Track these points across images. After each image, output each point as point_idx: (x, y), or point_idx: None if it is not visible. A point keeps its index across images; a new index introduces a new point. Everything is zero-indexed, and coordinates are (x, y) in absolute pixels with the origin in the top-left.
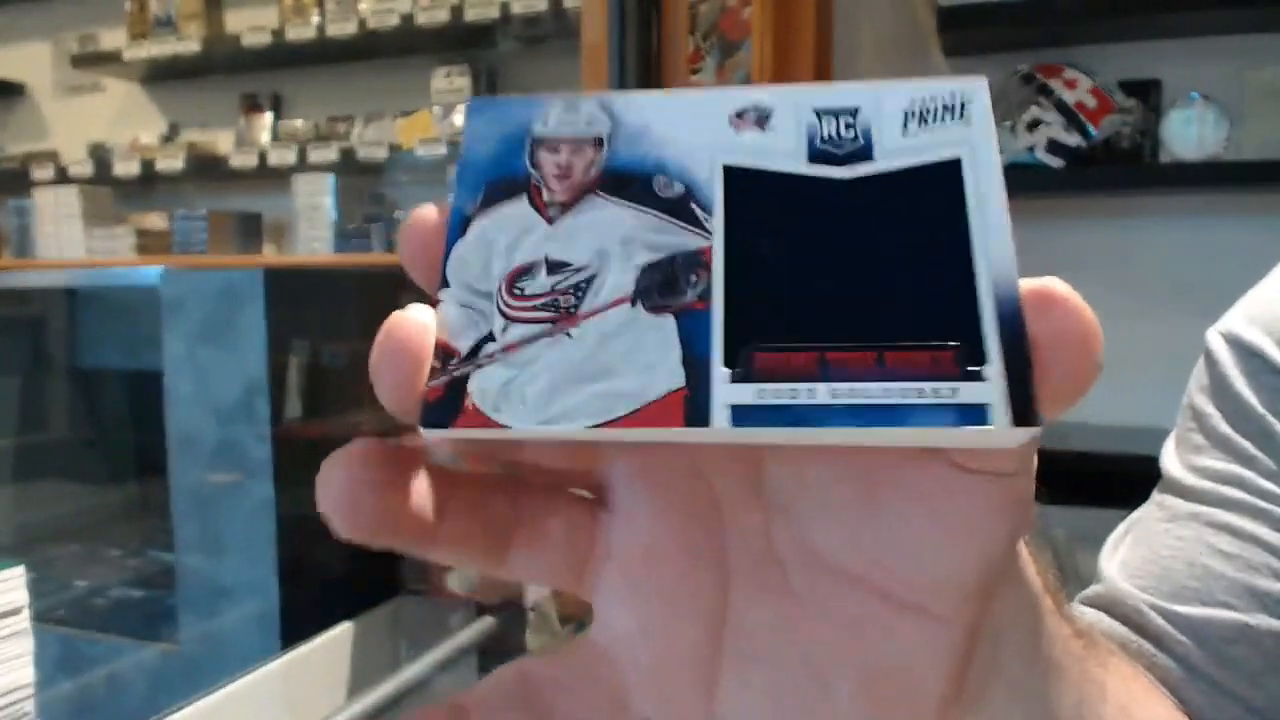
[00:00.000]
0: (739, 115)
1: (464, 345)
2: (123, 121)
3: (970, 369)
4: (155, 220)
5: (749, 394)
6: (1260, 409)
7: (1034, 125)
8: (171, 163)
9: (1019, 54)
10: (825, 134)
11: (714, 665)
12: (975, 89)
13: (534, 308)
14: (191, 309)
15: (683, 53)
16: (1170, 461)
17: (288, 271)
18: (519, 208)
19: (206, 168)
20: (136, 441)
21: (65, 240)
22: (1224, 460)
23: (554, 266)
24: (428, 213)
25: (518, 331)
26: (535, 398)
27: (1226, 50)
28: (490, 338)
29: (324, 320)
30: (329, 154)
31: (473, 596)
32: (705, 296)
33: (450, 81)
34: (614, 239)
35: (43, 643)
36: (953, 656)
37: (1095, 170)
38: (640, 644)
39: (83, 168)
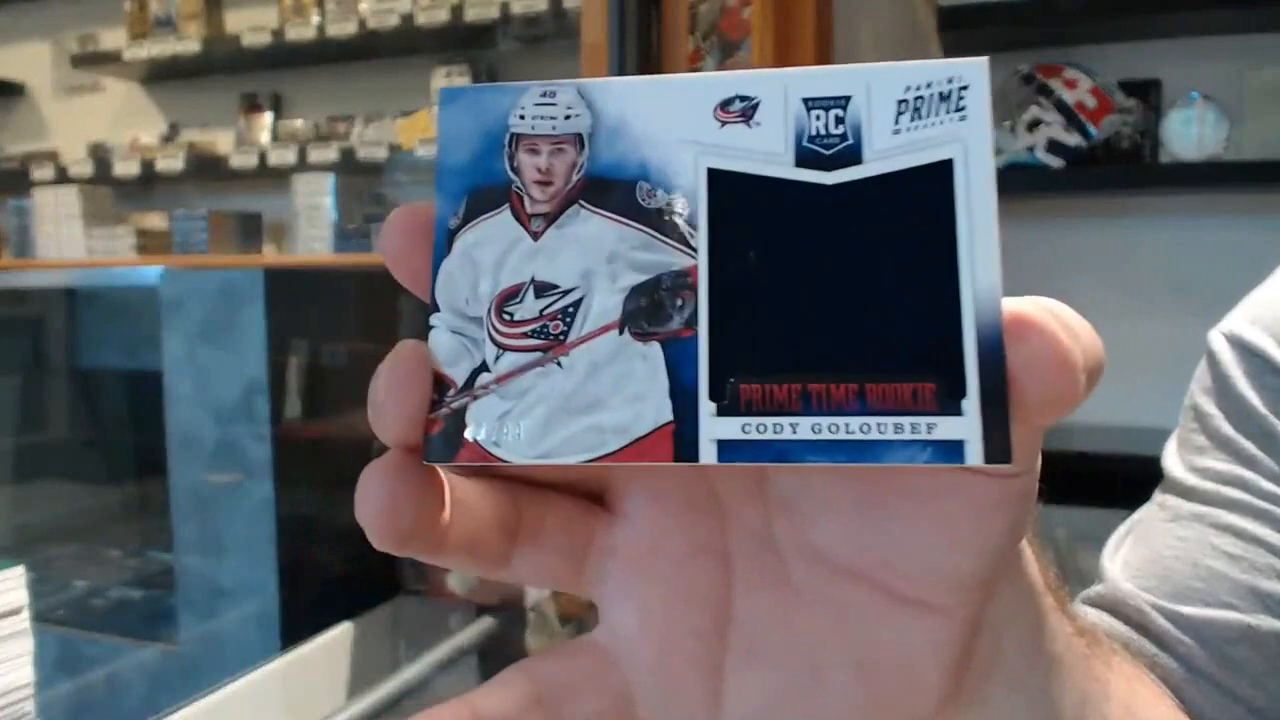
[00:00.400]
0: (724, 106)
1: (459, 375)
2: (122, 121)
3: (949, 402)
4: (155, 220)
5: (734, 428)
6: (1263, 410)
7: (1034, 125)
8: (171, 163)
9: (1019, 54)
10: (813, 130)
11: (717, 659)
12: (974, 74)
13: (524, 334)
14: (191, 309)
15: (683, 52)
16: (1172, 462)
17: (288, 271)
18: (502, 220)
19: (206, 168)
20: (136, 442)
21: (65, 240)
22: (1226, 461)
23: (541, 289)
24: (407, 216)
25: (510, 361)
26: (530, 431)
27: (1227, 50)
28: (484, 367)
29: (324, 320)
30: (329, 154)
31: (472, 597)
32: (691, 323)
33: (450, 81)
34: (599, 257)
35: (42, 643)
36: (952, 650)
37: (1095, 170)
38: (644, 641)
39: (82, 168)
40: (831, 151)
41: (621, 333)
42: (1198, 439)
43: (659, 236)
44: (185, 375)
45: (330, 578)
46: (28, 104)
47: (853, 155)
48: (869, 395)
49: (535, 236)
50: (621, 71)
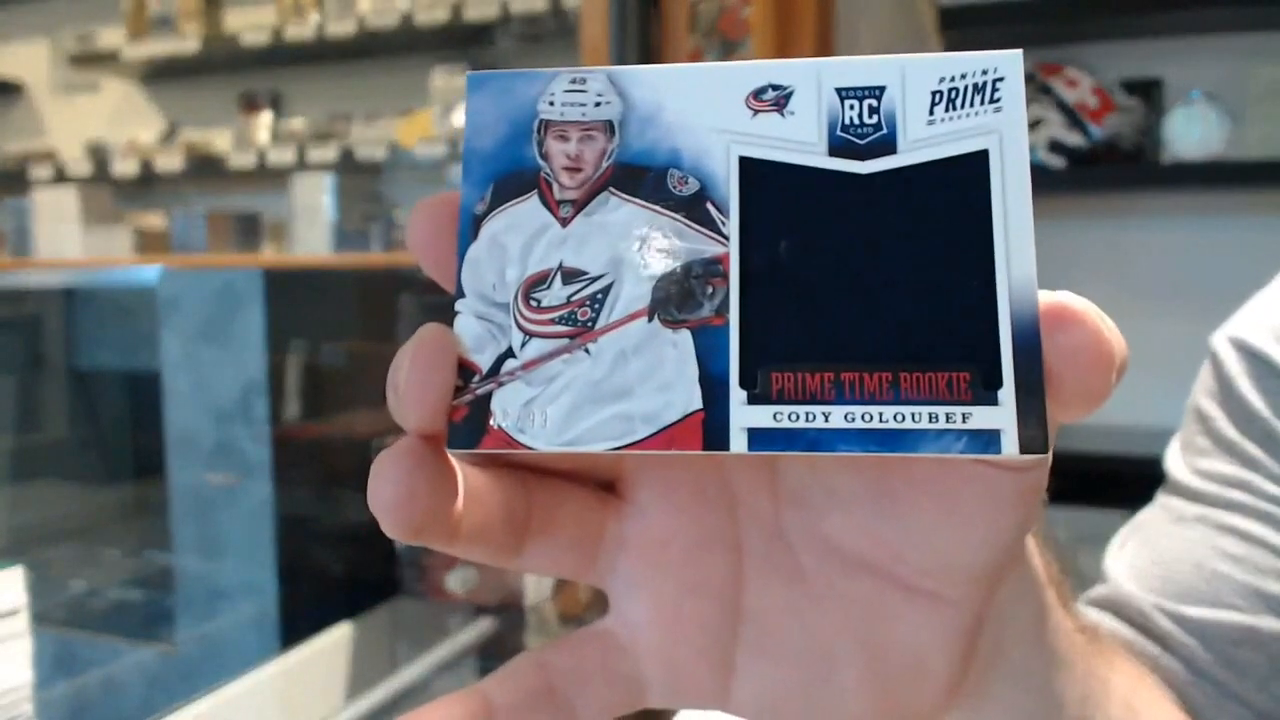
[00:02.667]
0: (756, 95)
1: (485, 362)
2: (121, 121)
3: (985, 392)
4: (154, 220)
5: (765, 416)
6: (1266, 413)
7: (1035, 125)
8: (170, 162)
9: None
10: (847, 120)
11: (728, 649)
12: (1009, 65)
13: (552, 321)
14: (190, 309)
15: (683, 52)
16: (1175, 464)
17: (287, 271)
18: (530, 206)
19: (205, 167)
20: (134, 442)
21: (63, 240)
22: (1229, 464)
23: (569, 275)
24: (435, 205)
25: (537, 347)
26: (556, 418)
27: (1228, 49)
28: (510, 353)
29: (323, 320)
30: (328, 153)
31: (471, 598)
32: (722, 310)
33: (450, 81)
34: (629, 244)
35: (40, 643)
36: (960, 641)
37: (1096, 170)
38: (655, 631)
39: (81, 167)
40: (865, 141)
41: (651, 320)
42: (1201, 441)
43: (690, 224)
44: (184, 375)
45: (329, 578)
46: (26, 103)
47: (887, 145)
48: (903, 384)
49: (564, 223)
50: None
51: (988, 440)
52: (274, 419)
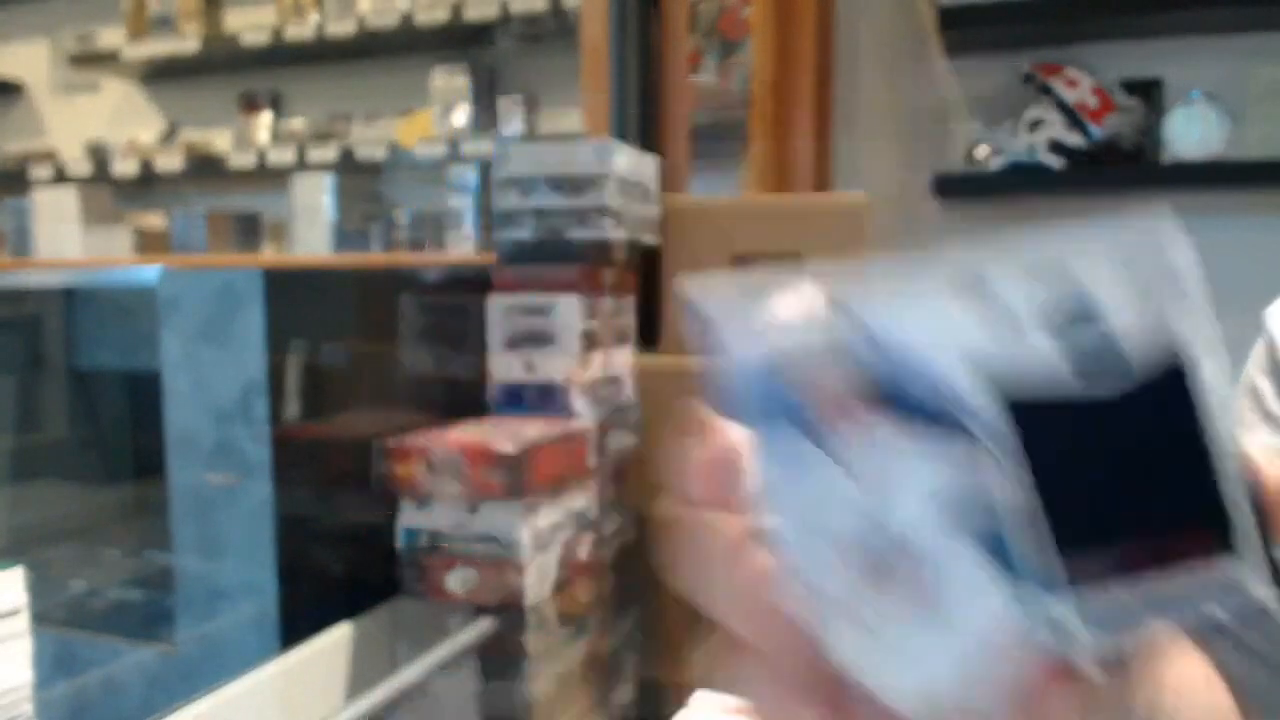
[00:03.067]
0: (968, 294)
1: (811, 593)
2: (121, 121)
3: (1226, 547)
4: (154, 220)
5: (1077, 620)
6: None
7: (1035, 125)
8: (170, 162)
9: (1020, 53)
10: (1065, 326)
11: None
12: (1174, 239)
13: (855, 564)
14: (189, 309)
15: (683, 52)
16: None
17: (287, 271)
18: (802, 448)
19: (205, 167)
20: (134, 442)
21: (63, 240)
22: (1273, 436)
23: (860, 517)
24: (717, 446)
25: (845, 586)
26: (882, 665)
27: (1228, 49)
28: (825, 592)
29: (323, 320)
30: (328, 153)
31: (471, 598)
32: (1010, 528)
33: (449, 80)
34: (905, 478)
35: (40, 643)
36: None
37: (1096, 170)
38: None
39: (81, 167)
40: (1088, 354)
41: (946, 548)
42: (1250, 416)
43: (956, 447)
44: (183, 375)
45: (329, 578)
46: (26, 103)
47: (1110, 351)
48: (1165, 552)
49: (839, 462)
50: (621, 72)
51: (1237, 590)
52: (274, 419)
